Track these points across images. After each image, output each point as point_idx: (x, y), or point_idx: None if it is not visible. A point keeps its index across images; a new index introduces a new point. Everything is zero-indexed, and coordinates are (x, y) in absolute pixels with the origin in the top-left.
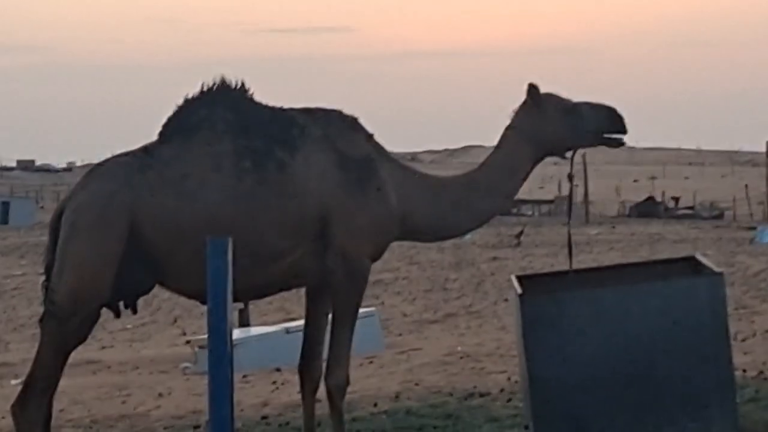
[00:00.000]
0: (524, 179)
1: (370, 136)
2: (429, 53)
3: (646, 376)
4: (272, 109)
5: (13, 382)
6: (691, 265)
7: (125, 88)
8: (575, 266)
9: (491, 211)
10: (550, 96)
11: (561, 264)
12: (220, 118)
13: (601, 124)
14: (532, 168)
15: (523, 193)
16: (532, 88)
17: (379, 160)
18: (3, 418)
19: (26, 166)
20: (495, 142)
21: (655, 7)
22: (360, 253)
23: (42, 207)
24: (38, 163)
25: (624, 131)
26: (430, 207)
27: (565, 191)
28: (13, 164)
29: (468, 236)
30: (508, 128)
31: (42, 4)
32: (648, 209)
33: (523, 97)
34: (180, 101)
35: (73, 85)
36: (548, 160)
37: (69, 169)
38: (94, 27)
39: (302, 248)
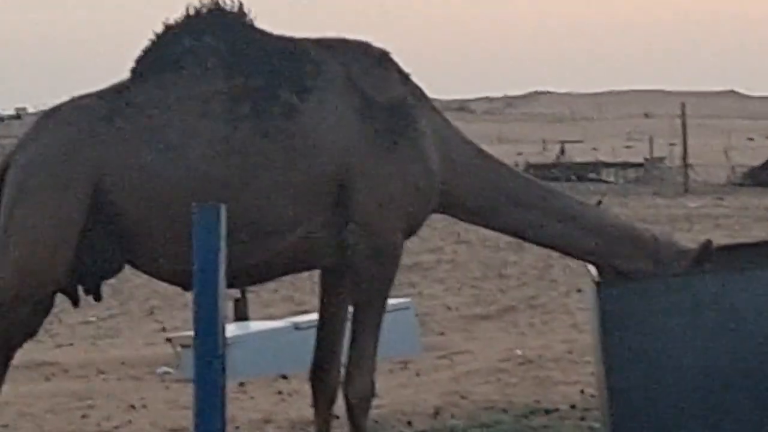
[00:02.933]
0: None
1: (406, 77)
2: None
3: (762, 385)
4: (278, 38)
5: None
6: None
7: (94, 13)
8: None
9: (554, 242)
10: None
11: None
12: (210, 50)
13: None
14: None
15: (604, 154)
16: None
17: (418, 107)
18: None
19: None
20: (572, 88)
21: None
22: (389, 226)
23: None
24: None
25: None
26: (480, 184)
27: (659, 152)
28: None
29: None
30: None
31: None
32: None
33: (599, 36)
34: (159, 28)
35: (25, 7)
36: (635, 111)
37: (17, 116)
38: None
39: (315, 219)
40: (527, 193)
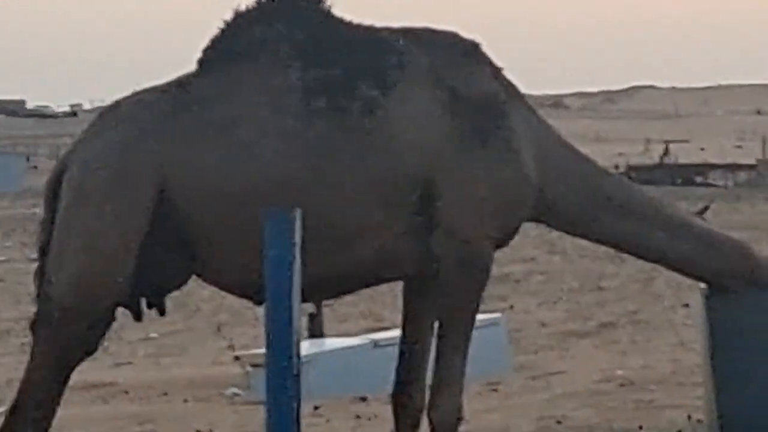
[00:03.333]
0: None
1: (498, 71)
2: None
3: None
4: (358, 27)
5: None
6: None
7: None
8: None
9: (657, 253)
10: None
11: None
12: (283, 39)
13: None
14: None
15: (712, 155)
16: None
17: (511, 104)
18: None
19: (14, 109)
20: (674, 83)
21: None
22: (479, 233)
23: (35, 167)
24: (30, 105)
25: None
26: (576, 188)
27: None
28: None
29: None
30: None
31: None
32: None
33: (715, 29)
34: (229, 16)
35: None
36: (746, 108)
37: (73, 113)
38: None
39: (398, 225)
40: (630, 201)
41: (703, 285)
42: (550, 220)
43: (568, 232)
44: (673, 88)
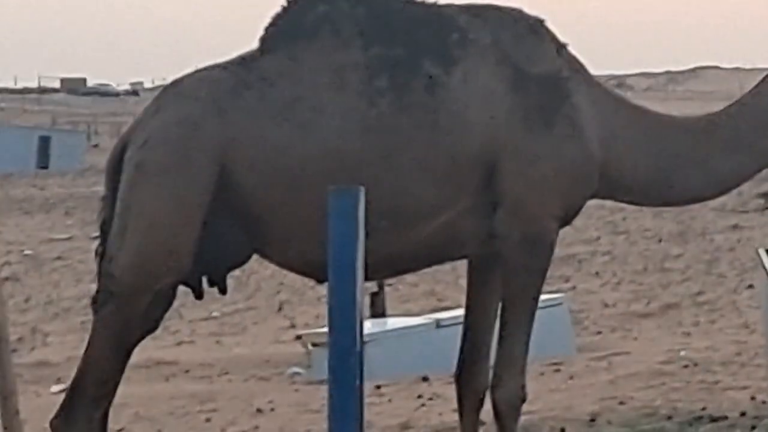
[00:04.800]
0: None
1: (562, 46)
2: None
3: None
4: (420, 4)
5: (55, 388)
6: None
7: None
8: None
9: (740, 176)
10: None
11: None
12: (346, 18)
13: None
14: None
15: None
16: None
17: (575, 80)
18: None
19: (74, 87)
20: (739, 63)
21: None
22: (543, 212)
23: (96, 145)
24: (91, 83)
25: None
26: (647, 155)
27: None
28: (57, 85)
29: None
30: None
31: None
32: None
33: None
34: None
35: None
36: None
37: (134, 92)
38: None
39: (461, 204)
40: (696, 149)
41: (767, 263)
42: (624, 196)
43: (643, 204)
44: (737, 68)
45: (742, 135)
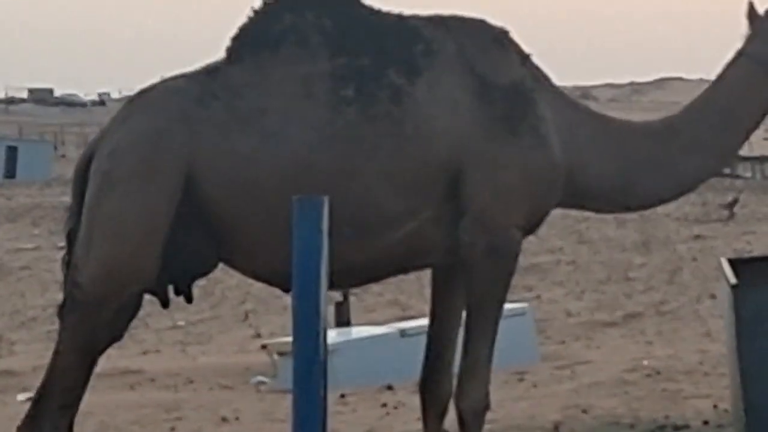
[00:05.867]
0: (752, 131)
1: (526, 57)
2: None
3: None
4: (386, 15)
5: (20, 397)
6: None
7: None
8: None
9: (699, 176)
10: None
11: None
12: (312, 27)
13: None
14: (765, 115)
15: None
16: None
17: (539, 90)
18: None
19: (42, 97)
20: (701, 75)
21: None
22: (508, 221)
23: (63, 155)
24: (58, 93)
25: None
26: (609, 161)
27: None
28: (24, 95)
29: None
30: (738, 56)
31: None
32: None
33: (737, 19)
34: (258, 4)
35: None
36: None
37: (102, 102)
38: None
39: (426, 213)
40: (660, 152)
41: (730, 275)
42: (587, 203)
43: (608, 211)
44: (701, 79)
45: (700, 136)
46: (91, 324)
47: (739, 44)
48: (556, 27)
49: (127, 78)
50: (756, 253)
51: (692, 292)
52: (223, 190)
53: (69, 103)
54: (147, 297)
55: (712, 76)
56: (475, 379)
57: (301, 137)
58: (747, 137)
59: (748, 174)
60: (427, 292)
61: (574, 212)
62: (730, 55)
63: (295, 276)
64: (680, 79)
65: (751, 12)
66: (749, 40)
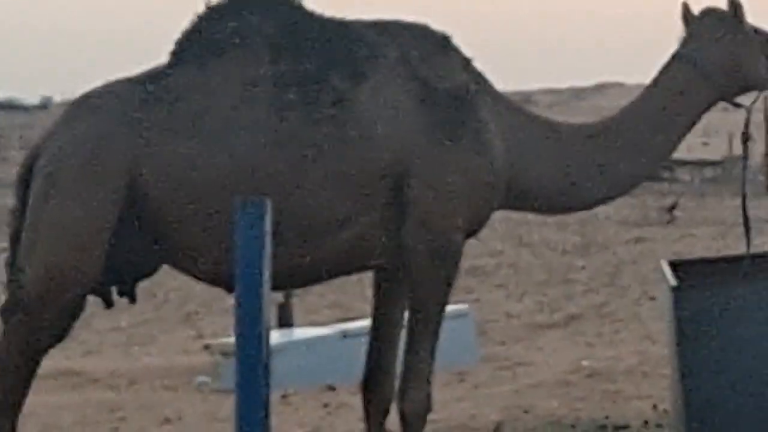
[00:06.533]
0: (686, 132)
1: (468, 62)
2: None
3: None
4: (330, 21)
5: None
6: None
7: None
8: (754, 250)
9: (636, 176)
10: (739, 16)
11: (731, 248)
12: (255, 32)
13: None
14: (699, 117)
15: (678, 152)
16: (736, 5)
17: (480, 95)
18: None
19: None
20: (639, 80)
21: None
22: (450, 224)
23: (4, 158)
24: (1, 96)
25: None
26: (550, 164)
27: (738, 149)
28: None
29: (599, 209)
30: (673, 58)
31: None
32: None
33: (673, 23)
34: (200, 8)
35: None
36: (716, 107)
37: (44, 106)
38: None
39: (369, 216)
40: (597, 156)
41: (670, 277)
42: (528, 205)
43: (547, 212)
44: (640, 84)
45: (636, 137)
46: (33, 325)
47: (674, 47)
48: (496, 30)
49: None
50: (695, 255)
51: (632, 294)
52: (166, 192)
53: (11, 105)
54: (90, 298)
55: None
56: (417, 380)
57: (243, 140)
58: (682, 138)
59: (687, 178)
60: (369, 293)
61: (515, 215)
62: (665, 58)
63: (238, 278)
64: (620, 84)
65: (686, 13)
66: (684, 42)
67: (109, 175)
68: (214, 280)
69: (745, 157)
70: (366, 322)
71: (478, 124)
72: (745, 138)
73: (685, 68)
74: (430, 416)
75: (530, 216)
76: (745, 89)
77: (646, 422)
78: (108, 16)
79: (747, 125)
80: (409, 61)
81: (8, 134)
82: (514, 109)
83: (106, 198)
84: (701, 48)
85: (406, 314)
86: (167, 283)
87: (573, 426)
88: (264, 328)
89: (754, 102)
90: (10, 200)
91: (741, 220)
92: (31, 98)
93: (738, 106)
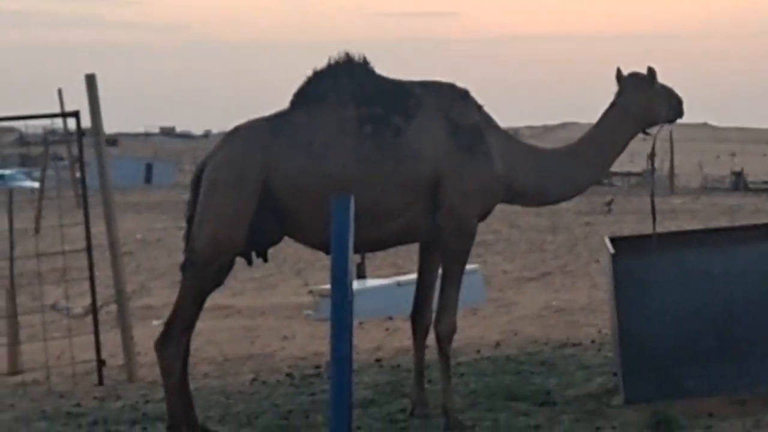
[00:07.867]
0: (620, 153)
1: (480, 107)
2: (529, 37)
3: (726, 330)
4: (391, 81)
5: (155, 322)
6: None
7: (256, 64)
8: (660, 232)
9: (588, 182)
10: (652, 77)
11: (648, 230)
12: (344, 88)
13: (677, 107)
14: (627, 143)
15: (613, 166)
16: (652, 71)
17: (488, 128)
18: (147, 354)
19: (168, 132)
20: (590, 120)
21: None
22: (468, 212)
23: (181, 170)
24: (178, 130)
25: (681, 116)
26: (533, 174)
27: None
28: (157, 131)
29: (563, 203)
30: (613, 105)
31: None
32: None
33: (612, 80)
34: (309, 73)
35: (210, 60)
36: (638, 137)
37: (206, 135)
38: (228, 7)
39: (416, 207)
40: (559, 170)
41: (610, 247)
42: (518, 200)
43: (533, 205)
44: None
45: (591, 155)
46: (202, 276)
47: (612, 97)
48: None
49: (224, 118)
50: (626, 234)
51: (584, 258)
52: (287, 192)
53: (185, 135)
54: (237, 258)
55: (595, 120)
56: (447, 313)
57: (337, 159)
58: (616, 158)
59: (620, 183)
60: (416, 257)
61: (508, 207)
62: (606, 105)
63: (333, 246)
64: (576, 123)
65: (619, 74)
66: (618, 94)
67: (250, 180)
68: (318, 247)
69: (653, 169)
70: (413, 276)
71: (487, 148)
72: (652, 155)
73: (619, 113)
74: (455, 337)
75: (518, 208)
76: (654, 124)
77: (593, 341)
78: (251, 74)
79: (653, 147)
80: (442, 107)
81: (183, 154)
82: (509, 138)
83: (247, 195)
84: (629, 99)
85: (440, 271)
86: (286, 248)
87: (546, 343)
88: (349, 279)
89: (658, 131)
90: (185, 196)
91: (651, 210)
92: (197, 130)
93: (648, 134)
